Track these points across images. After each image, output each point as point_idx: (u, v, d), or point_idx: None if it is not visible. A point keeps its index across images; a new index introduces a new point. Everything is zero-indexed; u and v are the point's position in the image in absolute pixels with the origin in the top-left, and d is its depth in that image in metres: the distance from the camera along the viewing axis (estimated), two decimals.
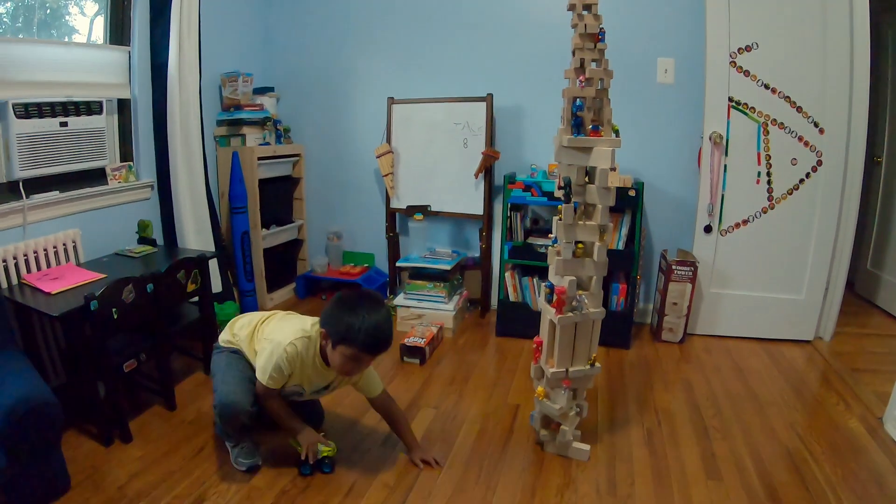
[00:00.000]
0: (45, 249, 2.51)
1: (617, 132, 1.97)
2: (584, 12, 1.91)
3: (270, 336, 2.02)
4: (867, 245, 4.11)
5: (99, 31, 2.99)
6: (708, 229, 3.24)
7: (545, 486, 2.01)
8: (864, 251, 4.12)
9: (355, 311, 1.85)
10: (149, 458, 2.13)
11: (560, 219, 1.97)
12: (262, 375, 1.97)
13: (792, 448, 2.25)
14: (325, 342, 1.93)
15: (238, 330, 2.17)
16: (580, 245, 1.99)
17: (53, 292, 2.24)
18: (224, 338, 2.18)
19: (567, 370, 2.05)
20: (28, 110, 2.49)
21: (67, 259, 2.62)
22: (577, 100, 1.93)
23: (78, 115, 2.73)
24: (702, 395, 2.69)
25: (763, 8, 2.99)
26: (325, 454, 2.06)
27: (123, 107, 3.04)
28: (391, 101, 3.63)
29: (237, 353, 2.13)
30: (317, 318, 2.00)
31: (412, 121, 3.61)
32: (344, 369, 1.93)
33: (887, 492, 1.99)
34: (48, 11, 2.78)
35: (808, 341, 3.31)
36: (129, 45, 2.98)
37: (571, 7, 1.93)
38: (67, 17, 2.90)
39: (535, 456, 2.18)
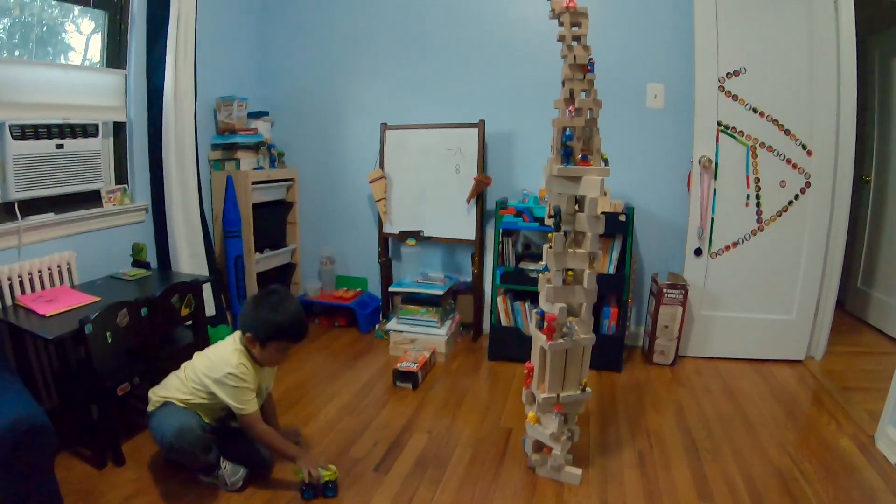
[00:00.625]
0: (39, 271, 2.51)
1: (606, 161, 2.00)
2: (574, 43, 1.95)
3: (212, 371, 2.05)
4: (857, 263, 4.15)
5: (95, 49, 3.00)
6: (698, 252, 3.27)
7: None
8: (854, 269, 4.16)
9: (276, 310, 2.05)
10: (142, 482, 2.13)
11: (550, 247, 2.00)
12: (241, 406, 2.03)
13: (783, 468, 2.26)
14: (252, 345, 2.08)
15: (162, 387, 2.15)
16: (570, 272, 2.02)
17: (48, 315, 2.24)
18: (152, 399, 2.14)
19: (558, 395, 2.06)
20: (24, 132, 2.49)
21: (62, 281, 2.62)
22: (567, 130, 1.97)
23: (74, 137, 2.74)
24: (693, 416, 2.70)
25: (750, 33, 3.04)
26: (328, 479, 2.07)
27: (119, 130, 3.05)
28: (384, 126, 3.66)
29: (165, 405, 2.09)
30: (233, 335, 2.14)
31: (405, 146, 3.64)
32: (274, 362, 2.16)
33: None
34: (45, 29, 2.79)
35: (799, 361, 3.33)
36: (125, 69, 3.00)
37: (561, 38, 1.97)
38: (64, 35, 2.91)
39: (528, 479, 2.19)
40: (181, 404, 2.08)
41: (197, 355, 2.18)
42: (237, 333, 2.13)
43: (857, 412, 2.71)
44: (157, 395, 2.13)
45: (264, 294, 2.13)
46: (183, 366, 2.18)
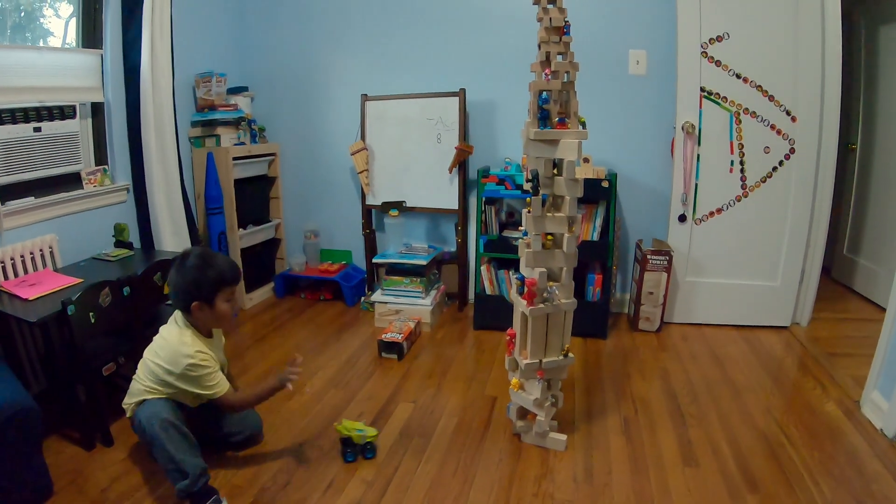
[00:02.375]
0: (21, 256, 2.49)
1: (584, 124, 1.99)
2: (549, 6, 1.93)
3: (172, 366, 1.93)
4: (843, 231, 4.15)
5: (73, 33, 2.96)
6: (682, 218, 3.27)
7: (523, 477, 2.03)
8: (839, 237, 4.17)
9: (206, 264, 1.97)
10: (131, 461, 2.13)
11: (529, 211, 1.99)
12: (212, 391, 1.97)
13: (769, 433, 2.28)
14: (202, 312, 1.97)
15: (130, 395, 2.05)
16: (550, 237, 2.01)
17: (31, 298, 2.23)
18: (128, 406, 2.04)
19: (541, 361, 2.07)
20: (1, 116, 2.47)
21: (45, 265, 2.60)
22: (544, 93, 1.95)
23: (52, 119, 2.73)
24: (679, 382, 2.71)
25: None
26: (370, 439, 2.13)
27: (97, 110, 3.02)
28: (365, 97, 3.63)
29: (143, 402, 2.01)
30: (172, 319, 2.03)
31: (386, 117, 3.62)
32: (225, 315, 2.02)
33: (865, 474, 2.02)
34: (23, 14, 2.76)
35: (784, 327, 3.35)
36: (101, 48, 2.96)
37: (536, 1, 1.95)
38: (42, 20, 2.88)
39: (513, 447, 2.20)
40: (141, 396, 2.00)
41: (147, 352, 2.03)
42: (177, 315, 2.03)
43: (842, 378, 2.73)
44: (130, 401, 2.03)
45: (182, 259, 2.00)
46: (139, 366, 2.06)
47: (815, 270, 3.30)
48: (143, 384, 1.98)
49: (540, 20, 1.95)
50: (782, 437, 2.25)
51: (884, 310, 2.45)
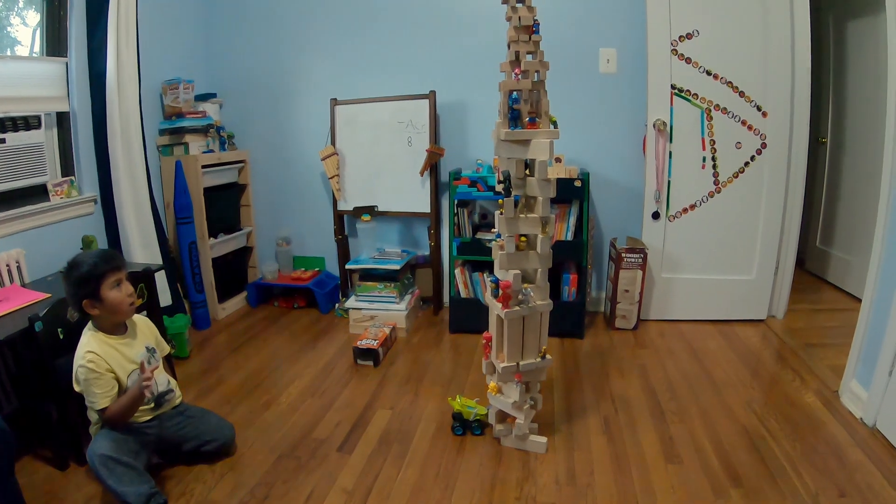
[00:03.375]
0: None
1: (555, 123, 1.98)
2: (518, 4, 1.93)
3: (75, 374, 1.94)
4: (816, 223, 4.22)
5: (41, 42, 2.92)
6: (656, 216, 3.28)
7: (504, 481, 2.01)
8: (812, 229, 4.24)
9: (78, 264, 1.95)
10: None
11: (502, 213, 1.97)
12: (92, 401, 1.92)
13: (749, 426, 2.29)
14: (96, 310, 1.96)
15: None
16: (523, 238, 2.00)
17: None
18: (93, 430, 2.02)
19: (518, 364, 2.05)
20: None
21: (12, 280, 2.54)
22: (514, 92, 1.94)
23: (16, 130, 2.67)
24: (658, 379, 2.72)
25: None
26: (479, 416, 2.25)
27: (62, 120, 2.96)
28: (334, 102, 3.61)
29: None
30: (86, 330, 2.01)
31: (356, 121, 3.59)
32: (124, 301, 1.99)
33: (846, 463, 2.03)
34: None
35: (761, 320, 3.38)
36: (66, 56, 2.91)
37: (505, 0, 1.94)
38: (10, 29, 2.82)
39: (493, 450, 2.18)
40: (98, 422, 2.00)
41: None
42: (88, 327, 2.02)
43: (820, 368, 2.76)
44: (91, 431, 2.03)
45: (66, 266, 1.99)
46: None
47: (790, 263, 3.34)
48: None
49: (509, 19, 1.94)
50: (763, 431, 2.26)
51: (858, 299, 2.50)
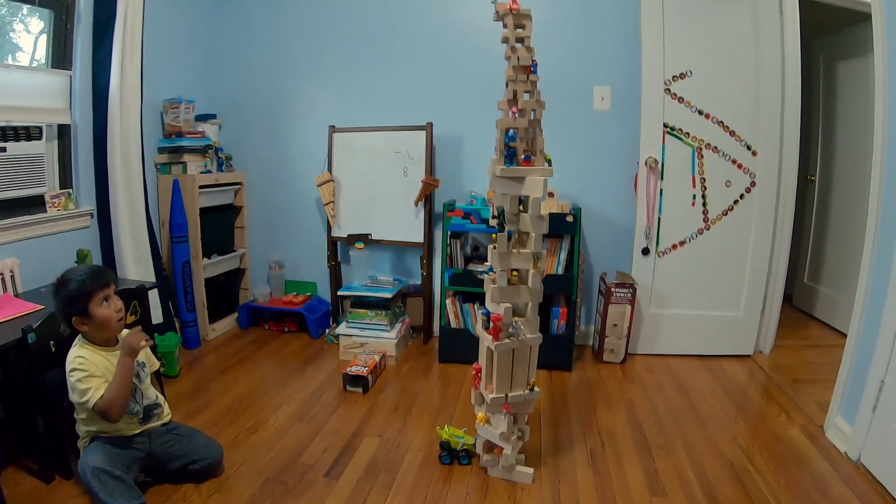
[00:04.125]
0: None
1: (549, 161, 2.02)
2: (517, 45, 1.97)
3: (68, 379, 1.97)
4: (804, 260, 4.28)
5: (43, 49, 2.94)
6: (646, 251, 3.32)
7: None
8: (800, 265, 4.29)
9: (67, 281, 1.99)
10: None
11: (495, 247, 2.01)
12: (85, 398, 1.92)
13: (735, 461, 2.31)
14: (85, 326, 2.00)
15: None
16: (515, 273, 2.03)
17: None
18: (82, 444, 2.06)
19: (506, 395, 2.07)
20: None
21: (5, 289, 2.55)
22: (510, 130, 1.98)
23: (17, 140, 2.68)
24: (644, 413, 2.73)
25: (696, 36, 3.11)
26: (466, 446, 2.26)
27: (63, 132, 2.98)
28: (332, 129, 3.64)
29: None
30: (77, 338, 2.05)
31: (353, 149, 3.62)
32: (111, 320, 2.02)
33: (830, 497, 2.06)
34: None
35: (748, 356, 3.41)
36: (70, 69, 2.94)
37: (505, 40, 1.98)
38: (12, 35, 2.84)
39: (480, 481, 2.19)
40: (87, 436, 2.03)
41: None
42: (76, 343, 2.04)
43: (806, 403, 2.79)
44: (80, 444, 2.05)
45: (55, 283, 2.03)
46: None
47: (777, 299, 3.39)
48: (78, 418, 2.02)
49: (508, 58, 1.98)
50: (748, 465, 2.28)
51: (844, 335, 2.52)
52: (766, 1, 3.07)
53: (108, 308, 2.02)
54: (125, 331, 2.12)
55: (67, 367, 1.95)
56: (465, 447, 2.27)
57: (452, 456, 2.29)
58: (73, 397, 1.94)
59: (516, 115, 1.96)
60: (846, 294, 3.59)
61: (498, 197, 2.04)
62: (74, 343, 2.03)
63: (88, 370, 1.95)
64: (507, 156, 1.98)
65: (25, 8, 2.82)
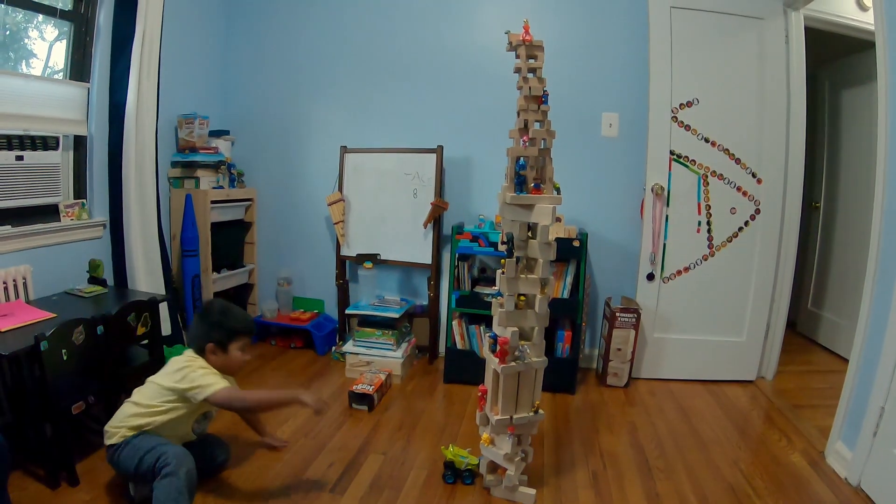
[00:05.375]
0: None
1: (558, 189, 2.06)
2: (529, 75, 2.02)
3: (173, 375, 2.07)
4: (808, 285, 4.29)
5: (57, 56, 2.99)
6: (650, 277, 3.34)
7: None
8: (804, 292, 4.31)
9: (226, 313, 2.20)
10: (96, 502, 2.09)
11: (503, 272, 2.04)
12: (211, 388, 2.02)
13: (735, 484, 2.32)
14: (215, 356, 2.15)
15: (119, 422, 2.07)
16: (522, 297, 2.07)
17: (2, 330, 2.20)
18: (113, 439, 2.05)
19: (511, 417, 2.10)
20: None
21: (17, 295, 2.58)
22: (521, 159, 2.02)
23: (34, 149, 2.72)
24: (646, 436, 2.75)
25: (703, 65, 3.16)
26: (470, 466, 2.30)
27: (79, 143, 3.02)
28: (344, 149, 3.68)
29: (139, 434, 2.05)
30: (184, 353, 2.17)
31: (364, 170, 3.66)
32: (238, 363, 2.21)
33: None
34: (7, 33, 2.76)
35: (750, 381, 3.42)
36: (88, 82, 2.99)
37: (517, 70, 2.04)
38: (27, 41, 2.88)
39: (482, 500, 2.21)
40: (151, 430, 2.06)
41: (152, 378, 2.14)
42: (189, 352, 2.16)
43: (807, 429, 2.81)
44: (120, 426, 2.05)
45: (208, 306, 2.26)
46: (136, 392, 2.14)
47: (780, 325, 3.40)
48: (137, 405, 2.07)
49: (520, 88, 2.03)
50: (749, 489, 2.29)
51: (847, 361, 2.54)
52: (772, 30, 3.13)
53: (244, 355, 2.22)
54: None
55: (181, 361, 2.09)
56: (469, 467, 2.30)
57: (456, 476, 2.31)
58: (197, 384, 2.02)
59: (527, 143, 2.00)
60: (849, 320, 3.59)
61: (507, 223, 2.08)
62: (189, 360, 2.11)
63: (207, 367, 2.11)
64: (517, 183, 2.03)
65: (41, 15, 2.86)
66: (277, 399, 2.29)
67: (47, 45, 2.97)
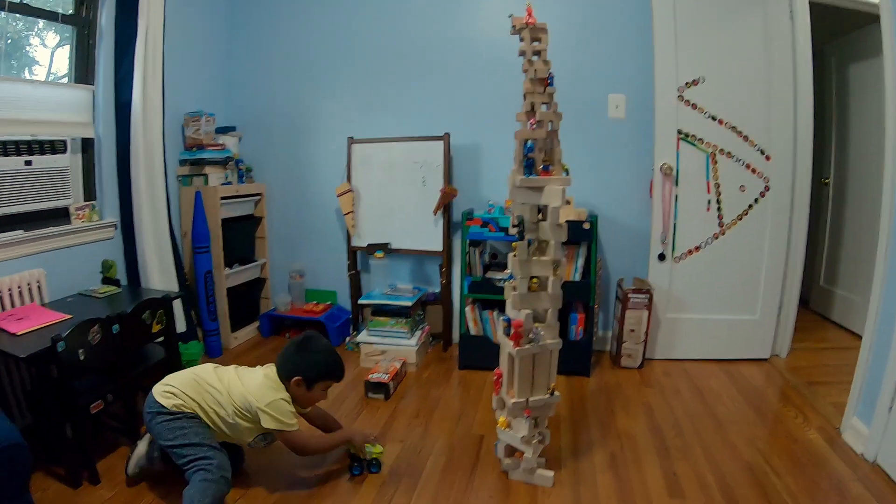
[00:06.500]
0: (9, 289, 2.49)
1: (567, 171, 2.06)
2: (534, 58, 2.02)
3: (259, 398, 2.10)
4: (819, 263, 4.27)
5: (59, 63, 3.00)
6: (661, 257, 3.34)
7: None
8: (816, 269, 4.29)
9: (327, 353, 2.23)
10: (118, 500, 2.11)
11: (515, 255, 2.05)
12: (285, 425, 2.12)
13: (753, 462, 2.33)
14: (298, 388, 2.16)
15: (182, 391, 2.12)
16: (535, 280, 2.07)
17: (19, 333, 2.22)
18: (171, 402, 2.09)
19: (527, 400, 2.11)
20: None
21: (32, 299, 2.60)
22: (529, 141, 2.02)
23: (42, 153, 2.73)
24: (662, 417, 2.76)
25: (708, 43, 3.14)
26: (375, 455, 2.29)
27: (87, 146, 3.04)
28: (351, 140, 3.69)
29: (195, 417, 2.10)
30: (262, 371, 2.22)
31: (372, 160, 3.67)
32: (315, 400, 2.27)
33: (848, 497, 2.08)
34: (9, 41, 2.77)
35: (764, 359, 3.42)
36: (93, 84, 3.00)
37: (522, 53, 2.03)
38: (28, 48, 2.90)
39: (501, 484, 2.22)
40: (210, 424, 2.11)
41: (232, 378, 2.19)
42: (270, 373, 2.20)
43: (822, 406, 2.80)
44: (188, 398, 2.10)
45: (306, 340, 2.24)
46: (200, 378, 2.17)
47: (793, 302, 3.39)
48: (213, 396, 2.13)
49: (525, 71, 2.03)
50: (766, 466, 2.29)
51: (861, 337, 2.53)
52: (776, 6, 3.10)
53: (324, 395, 2.27)
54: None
55: (276, 396, 2.12)
56: (374, 456, 2.30)
57: (363, 467, 2.30)
58: (276, 415, 2.09)
59: (534, 126, 2.00)
60: (862, 296, 3.57)
61: (517, 206, 2.08)
62: (271, 380, 2.17)
63: (292, 410, 2.15)
64: (525, 166, 2.03)
65: (41, 22, 2.87)
66: (335, 444, 2.33)
67: (49, 51, 2.99)
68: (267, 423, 2.08)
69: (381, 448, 2.34)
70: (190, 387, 2.13)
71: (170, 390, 2.11)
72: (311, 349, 2.21)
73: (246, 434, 2.16)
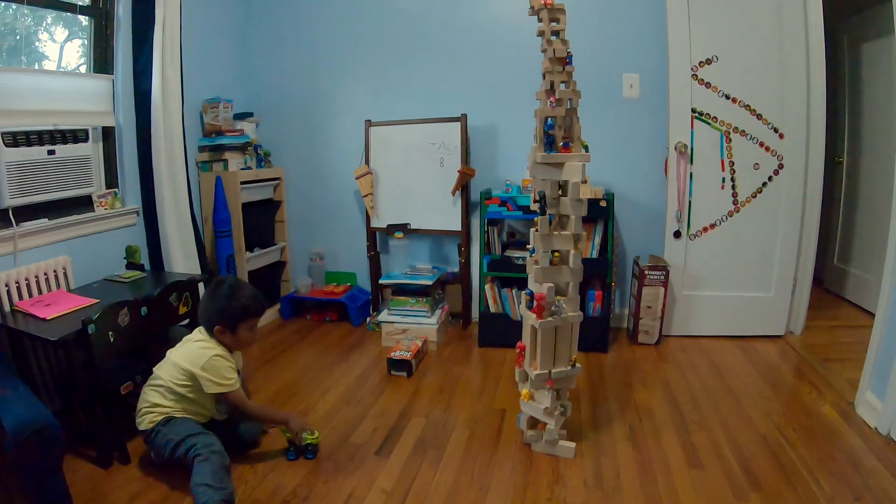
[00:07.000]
0: (36, 276, 2.53)
1: (586, 147, 2.10)
2: (553, 38, 2.05)
3: (195, 360, 2.14)
4: (833, 241, 4.28)
5: (69, 57, 3.03)
6: (677, 234, 3.37)
7: (535, 483, 2.10)
8: (830, 248, 4.29)
9: (234, 295, 2.19)
10: (148, 479, 2.16)
11: (537, 230, 2.09)
12: (229, 384, 2.15)
13: (768, 435, 2.37)
14: (223, 335, 2.20)
15: (150, 402, 2.16)
16: (556, 254, 2.11)
17: (48, 318, 2.26)
18: (147, 421, 2.14)
19: (550, 371, 2.15)
20: (16, 139, 2.51)
21: (58, 285, 2.65)
22: (549, 119, 2.06)
23: (65, 143, 2.76)
24: (680, 391, 2.80)
25: (721, 22, 3.15)
26: (310, 441, 2.27)
27: (108, 134, 3.08)
28: (368, 123, 3.72)
29: (169, 420, 2.14)
30: (195, 333, 2.25)
31: (389, 142, 3.70)
32: (246, 343, 2.27)
33: (862, 470, 2.11)
34: (17, 38, 2.79)
35: (779, 336, 3.45)
36: (112, 74, 3.04)
37: (540, 33, 2.06)
38: (37, 44, 2.92)
39: (524, 455, 2.27)
40: (184, 414, 2.16)
41: (169, 356, 2.22)
42: (200, 331, 2.24)
43: (837, 381, 2.83)
44: (147, 412, 2.15)
45: (216, 286, 2.24)
46: (153, 377, 2.21)
47: (807, 280, 3.41)
48: (158, 391, 2.16)
49: (544, 51, 2.06)
50: (781, 439, 2.33)
51: (874, 315, 2.55)
52: None
53: (251, 334, 2.26)
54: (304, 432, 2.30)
55: (208, 354, 2.14)
56: (308, 442, 2.29)
57: (298, 452, 2.31)
58: (214, 378, 2.13)
59: (554, 104, 2.04)
60: (876, 275, 3.56)
61: (538, 182, 2.12)
62: (203, 338, 2.21)
63: (230, 361, 2.20)
64: (546, 143, 2.07)
65: (50, 17, 2.89)
66: (271, 417, 2.36)
67: (59, 46, 3.01)
68: (210, 388, 2.12)
69: (318, 434, 2.32)
70: (152, 395, 2.17)
71: (141, 411, 2.17)
72: (222, 294, 2.19)
73: (206, 404, 2.21)
